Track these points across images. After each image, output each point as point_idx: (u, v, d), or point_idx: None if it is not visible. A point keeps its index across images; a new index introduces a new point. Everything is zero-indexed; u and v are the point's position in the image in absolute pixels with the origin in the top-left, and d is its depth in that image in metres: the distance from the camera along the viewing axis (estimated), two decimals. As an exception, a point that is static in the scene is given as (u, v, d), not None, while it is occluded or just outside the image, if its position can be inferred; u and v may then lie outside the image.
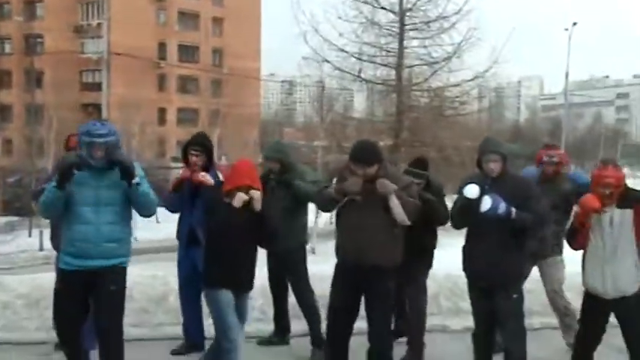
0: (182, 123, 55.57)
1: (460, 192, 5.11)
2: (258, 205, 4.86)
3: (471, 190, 4.98)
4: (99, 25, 46.36)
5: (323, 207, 5.32)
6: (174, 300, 6.79)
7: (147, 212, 4.89)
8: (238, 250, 4.87)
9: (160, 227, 21.60)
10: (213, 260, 4.88)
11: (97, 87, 49.49)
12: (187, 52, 57.60)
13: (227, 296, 4.86)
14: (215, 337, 5.13)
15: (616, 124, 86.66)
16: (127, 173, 4.65)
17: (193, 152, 5.89)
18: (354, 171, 4.95)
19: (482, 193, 4.95)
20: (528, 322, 5.98)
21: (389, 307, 5.22)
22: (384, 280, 5.10)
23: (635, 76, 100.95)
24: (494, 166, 5.05)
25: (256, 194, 4.85)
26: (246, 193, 4.83)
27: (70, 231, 4.78)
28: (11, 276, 7.83)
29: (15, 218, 30.92)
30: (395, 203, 4.90)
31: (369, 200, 4.93)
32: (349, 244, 5.04)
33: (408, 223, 5.02)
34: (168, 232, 15.59)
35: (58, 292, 5.02)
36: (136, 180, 4.68)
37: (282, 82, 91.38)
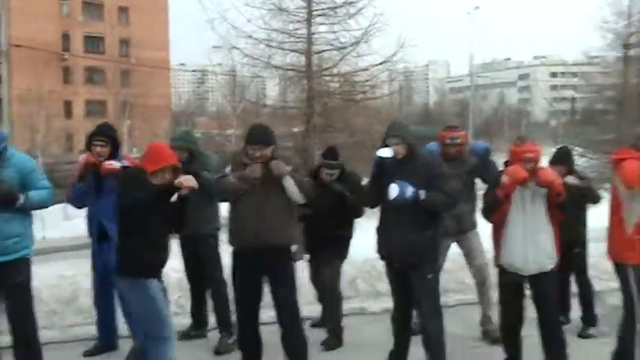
0: (90, 115, 54.00)
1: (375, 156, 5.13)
2: (193, 185, 4.61)
3: (385, 151, 5.02)
4: (-3, 16, 44.39)
5: (223, 196, 5.26)
6: (84, 300, 6.59)
7: (39, 209, 5.02)
8: (163, 236, 4.71)
9: (69, 225, 20.91)
10: (142, 249, 4.56)
11: (-4, 81, 47.51)
12: (93, 43, 55.99)
13: (159, 286, 4.68)
14: (140, 335, 4.87)
15: (519, 104, 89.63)
16: (7, 203, 4.70)
17: (98, 143, 5.66)
18: (250, 155, 5.02)
19: (393, 177, 4.98)
20: (444, 299, 6.12)
21: (294, 288, 5.24)
22: (287, 261, 5.21)
23: (535, 57, 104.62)
24: (396, 149, 5.09)
25: (192, 180, 4.62)
26: (172, 172, 4.62)
27: None
28: None
29: None
30: (290, 183, 5.03)
31: (266, 184, 5.00)
32: (249, 229, 5.03)
33: (303, 201, 5.17)
34: (79, 230, 15.12)
35: None
36: (20, 202, 4.75)
37: (193, 71, 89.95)
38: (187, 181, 4.56)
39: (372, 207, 5.31)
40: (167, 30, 58.97)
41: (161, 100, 52.76)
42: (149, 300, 4.61)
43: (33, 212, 5.03)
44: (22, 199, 4.76)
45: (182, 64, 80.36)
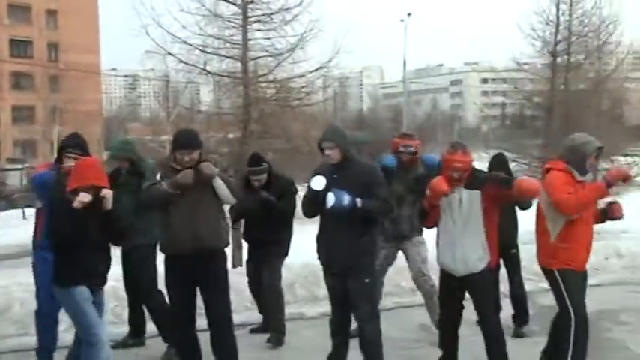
0: (18, 122, 52.64)
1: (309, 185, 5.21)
2: (109, 204, 4.72)
3: (317, 182, 5.08)
4: None
5: (153, 205, 5.28)
6: (18, 310, 6.46)
7: None
8: (89, 247, 4.73)
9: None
10: (65, 260, 4.71)
11: None
12: (20, 47, 54.52)
13: (84, 292, 4.73)
14: (74, 340, 4.98)
15: (451, 110, 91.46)
16: None
17: (71, 155, 5.43)
18: (179, 160, 5.10)
19: (329, 184, 5.05)
20: (382, 303, 6.23)
21: (227, 291, 5.32)
22: (220, 264, 5.31)
23: (466, 64, 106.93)
24: (329, 153, 5.16)
25: (108, 193, 4.70)
26: (94, 192, 4.64)
27: None
28: None
29: None
30: (219, 184, 5.14)
31: (197, 189, 5.08)
32: (184, 234, 5.09)
33: (234, 201, 5.33)
34: (4, 241, 14.71)
35: None
36: None
37: (125, 76, 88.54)
38: (82, 197, 4.59)
39: (311, 217, 5.37)
40: (97, 34, 57.93)
41: (92, 105, 51.79)
42: (74, 307, 4.74)
43: None
44: None
45: (113, 69, 79.11)
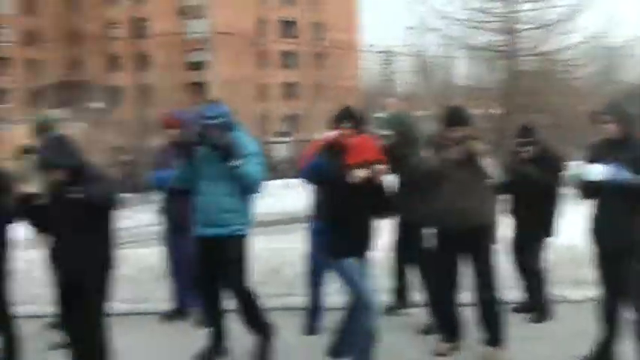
0: (284, 98, 56.32)
1: (590, 160, 4.90)
2: (380, 179, 4.92)
3: (594, 172, 4.76)
4: (201, 5, 47.51)
5: (422, 179, 5.41)
6: (288, 272, 7.00)
7: (247, 192, 5.17)
8: (360, 220, 4.97)
9: (262, 201, 21.92)
10: (337, 233, 4.97)
11: (200, 66, 50.85)
12: (286, 28, 58.15)
13: (354, 264, 4.97)
14: (348, 306, 5.22)
15: None
16: (223, 157, 4.97)
17: (346, 127, 5.63)
18: (449, 137, 5.16)
19: (605, 160, 4.74)
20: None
21: (493, 265, 5.36)
22: (488, 239, 5.34)
23: None
24: (606, 127, 4.87)
25: (380, 168, 4.89)
26: (370, 167, 4.85)
27: (196, 202, 5.23)
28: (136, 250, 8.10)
29: (130, 195, 31.84)
30: (489, 161, 5.15)
31: (465, 165, 5.12)
32: (455, 210, 5.16)
33: (500, 180, 5.32)
34: (270, 208, 15.87)
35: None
36: (234, 162, 4.96)
37: (381, 52, 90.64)
38: (359, 172, 4.76)
39: (587, 199, 5.11)
40: (358, 13, 59.87)
41: (351, 81, 53.83)
42: (343, 277, 4.98)
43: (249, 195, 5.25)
44: (238, 161, 4.98)
45: (371, 46, 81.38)
